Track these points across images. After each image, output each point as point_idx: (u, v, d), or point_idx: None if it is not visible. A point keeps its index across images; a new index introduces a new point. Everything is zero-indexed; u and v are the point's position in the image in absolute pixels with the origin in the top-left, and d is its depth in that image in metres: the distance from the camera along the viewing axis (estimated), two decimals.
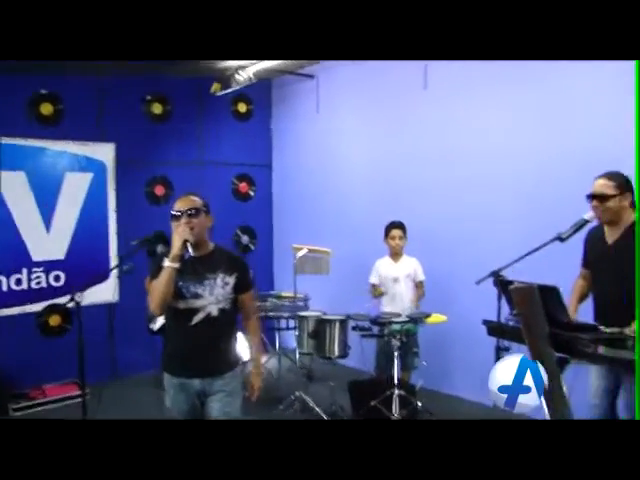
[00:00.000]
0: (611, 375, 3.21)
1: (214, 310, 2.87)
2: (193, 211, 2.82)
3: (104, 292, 5.67)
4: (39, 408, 5.26)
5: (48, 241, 5.71)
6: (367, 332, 4.67)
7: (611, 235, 3.20)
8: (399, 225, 4.90)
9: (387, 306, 4.87)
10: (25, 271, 5.58)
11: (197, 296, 2.85)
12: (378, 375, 4.87)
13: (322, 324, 4.76)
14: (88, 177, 5.95)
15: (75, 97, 5.78)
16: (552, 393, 2.52)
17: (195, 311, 2.86)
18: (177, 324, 2.92)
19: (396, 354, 4.47)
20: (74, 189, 5.85)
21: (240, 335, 3.11)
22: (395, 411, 4.33)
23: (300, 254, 5.27)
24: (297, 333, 4.98)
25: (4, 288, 5.47)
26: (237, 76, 6.01)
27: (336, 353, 4.75)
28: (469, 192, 5.18)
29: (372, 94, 6.07)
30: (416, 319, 4.54)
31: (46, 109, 5.67)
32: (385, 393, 4.42)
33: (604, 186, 3.14)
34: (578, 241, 3.27)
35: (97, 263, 5.96)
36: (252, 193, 7.31)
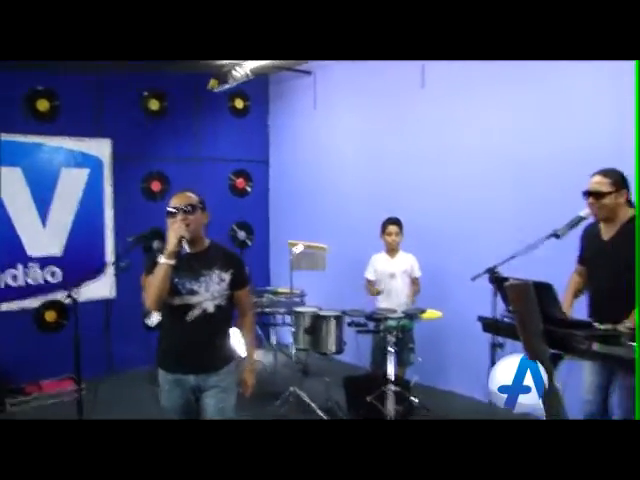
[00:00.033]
0: (604, 371, 3.23)
1: (210, 306, 2.88)
2: (189, 208, 2.82)
3: (101, 288, 5.67)
4: (35, 403, 5.27)
5: (44, 237, 5.71)
6: (363, 328, 4.67)
7: (607, 232, 3.22)
8: (395, 221, 4.90)
9: (383, 302, 4.88)
10: (21, 267, 5.58)
11: (193, 292, 2.85)
12: (373, 371, 4.88)
13: (318, 320, 4.77)
14: (84, 173, 5.95)
15: (71, 93, 5.77)
16: (546, 389, 2.53)
17: (191, 307, 2.86)
18: (173, 320, 2.92)
19: (392, 350, 4.47)
20: (70, 185, 5.84)
21: (235, 331, 3.11)
22: (390, 407, 4.34)
23: (296, 250, 5.28)
24: (293, 329, 4.99)
25: (0, 284, 5.47)
26: (234, 72, 6.00)
27: (332, 349, 4.75)
28: (466, 189, 5.19)
29: (369, 91, 6.07)
30: (412, 315, 4.55)
31: (42, 105, 5.66)
32: (380, 389, 4.43)
33: (600, 183, 3.15)
34: (574, 238, 3.28)
35: (93, 259, 5.96)
36: (249, 189, 7.30)
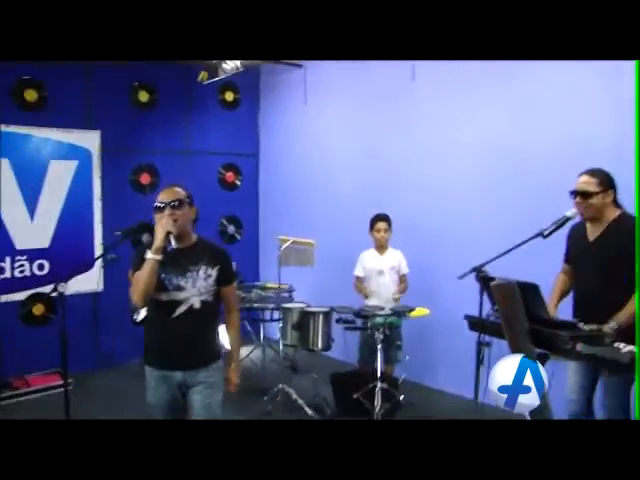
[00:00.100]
0: (589, 372, 3.25)
1: (196, 302, 2.87)
2: (176, 203, 2.81)
3: (88, 281, 5.62)
4: (22, 398, 5.24)
5: (32, 229, 5.67)
6: (351, 325, 4.68)
7: (593, 232, 3.23)
8: (384, 218, 4.90)
9: (371, 299, 4.89)
10: (9, 260, 5.54)
11: (179, 288, 2.84)
12: (361, 367, 4.89)
13: (306, 316, 4.76)
14: (73, 165, 5.90)
15: (60, 84, 5.71)
16: None
17: (177, 303, 2.85)
18: (159, 316, 2.91)
19: (379, 347, 4.47)
20: (59, 177, 5.79)
21: (221, 327, 3.10)
22: (377, 404, 4.35)
23: (284, 245, 5.27)
24: (281, 325, 4.98)
25: None
26: (224, 65, 5.99)
27: (319, 345, 4.75)
28: (456, 186, 5.19)
29: (360, 86, 6.05)
30: (399, 312, 4.55)
31: (30, 95, 5.60)
32: (368, 386, 4.44)
33: (587, 183, 3.15)
34: (560, 237, 3.29)
35: (82, 252, 5.93)
36: (238, 183, 7.28)
